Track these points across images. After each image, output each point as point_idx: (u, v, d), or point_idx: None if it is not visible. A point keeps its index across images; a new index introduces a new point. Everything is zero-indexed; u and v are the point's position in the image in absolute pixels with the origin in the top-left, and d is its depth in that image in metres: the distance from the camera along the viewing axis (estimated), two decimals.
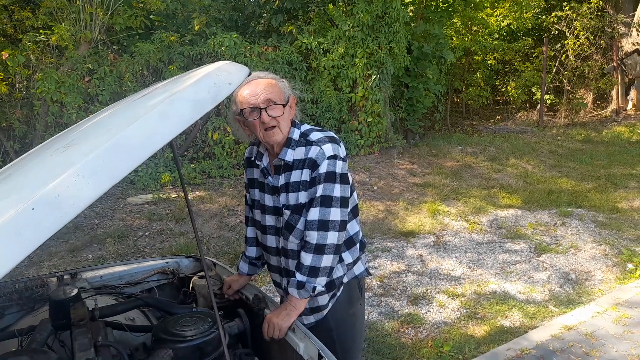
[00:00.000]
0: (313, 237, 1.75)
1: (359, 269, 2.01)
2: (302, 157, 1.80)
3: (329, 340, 1.99)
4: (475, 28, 11.47)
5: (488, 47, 11.10)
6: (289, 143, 1.82)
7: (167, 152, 6.90)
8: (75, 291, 1.89)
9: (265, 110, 1.73)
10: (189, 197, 6.10)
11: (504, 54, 11.75)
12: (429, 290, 4.08)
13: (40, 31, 6.40)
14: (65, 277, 2.36)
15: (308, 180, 1.79)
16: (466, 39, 10.89)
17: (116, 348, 1.53)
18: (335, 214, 1.76)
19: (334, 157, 1.77)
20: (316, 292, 1.78)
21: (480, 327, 3.52)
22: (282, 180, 1.85)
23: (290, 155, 1.82)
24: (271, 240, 1.98)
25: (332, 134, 1.85)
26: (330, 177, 1.76)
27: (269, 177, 1.89)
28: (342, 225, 1.78)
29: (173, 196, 6.14)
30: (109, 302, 2.12)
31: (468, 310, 3.77)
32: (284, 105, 1.77)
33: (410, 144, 9.11)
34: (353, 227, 1.97)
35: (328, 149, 1.77)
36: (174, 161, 6.86)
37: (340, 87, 7.81)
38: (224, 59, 7.00)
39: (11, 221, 0.81)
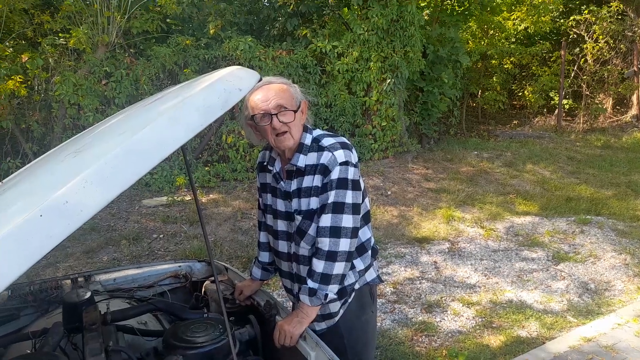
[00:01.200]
0: (325, 244, 1.72)
1: (370, 275, 1.98)
2: (314, 162, 1.78)
3: (341, 346, 1.96)
4: (492, 32, 11.34)
5: (505, 51, 10.95)
6: (300, 148, 1.81)
7: (182, 155, 6.93)
8: (88, 294, 1.90)
9: (277, 116, 1.72)
10: (203, 200, 6.12)
11: (521, 58, 11.58)
12: (443, 298, 4.02)
13: (60, 35, 6.51)
14: (79, 279, 2.37)
15: (319, 186, 1.77)
16: (482, 42, 10.77)
17: (127, 353, 1.52)
18: (348, 220, 1.73)
19: (345, 163, 1.74)
20: (328, 300, 1.76)
21: (496, 337, 3.45)
22: (294, 185, 1.83)
23: (302, 160, 1.80)
24: (283, 246, 1.96)
25: (344, 139, 1.83)
26: (342, 183, 1.73)
27: (281, 182, 1.87)
28: (354, 232, 1.75)
29: (187, 199, 6.16)
30: (122, 306, 2.13)
31: (483, 319, 3.69)
32: (295, 111, 1.75)
33: (425, 148, 9.03)
34: (365, 233, 1.94)
35: (340, 155, 1.74)
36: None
37: (354, 91, 7.78)
38: (239, 63, 7.04)
39: (19, 228, 0.80)
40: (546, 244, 5.08)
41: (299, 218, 1.83)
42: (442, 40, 8.80)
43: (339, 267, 1.74)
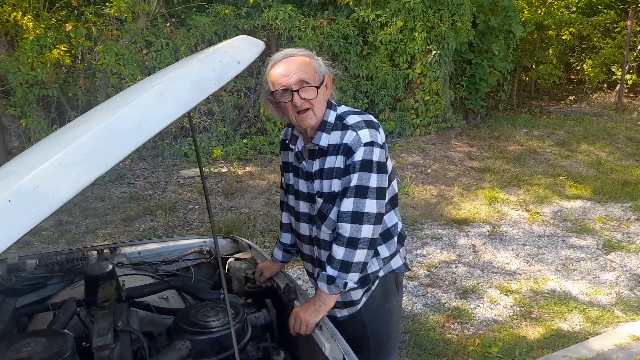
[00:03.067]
0: (346, 229, 1.61)
1: (396, 263, 1.86)
2: (337, 142, 1.65)
3: (363, 335, 1.88)
4: (551, 0, 10.51)
5: (563, 21, 10.15)
6: (323, 126, 1.68)
7: (220, 126, 6.95)
8: (109, 267, 1.88)
9: (298, 92, 1.59)
10: (239, 172, 6.12)
11: (582, 29, 10.71)
12: (480, 284, 3.84)
13: (107, 4, 6.54)
14: (105, 251, 2.39)
15: (342, 167, 1.64)
16: (539, 11, 10.00)
17: (136, 334, 1.49)
18: (371, 205, 1.60)
19: (371, 143, 1.60)
20: (347, 288, 1.65)
21: (535, 329, 3.25)
22: (316, 165, 1.71)
23: (325, 139, 1.67)
24: (304, 228, 1.86)
25: (370, 117, 1.68)
26: (367, 165, 1.60)
27: (303, 162, 1.76)
28: (377, 218, 1.62)
29: (224, 171, 6.19)
30: (142, 280, 2.12)
31: (522, 309, 3.50)
32: (318, 87, 1.61)
33: (471, 124, 8.62)
34: (391, 218, 1.81)
35: (365, 134, 1.60)
36: (225, 136, 6.91)
37: (397, 63, 7.46)
38: (278, 32, 6.88)
39: None
40: (597, 231, 4.74)
41: (320, 201, 1.72)
42: (494, 9, 8.24)
43: (360, 255, 1.62)
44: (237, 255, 2.40)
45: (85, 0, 6.48)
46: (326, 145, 1.67)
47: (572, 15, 10.84)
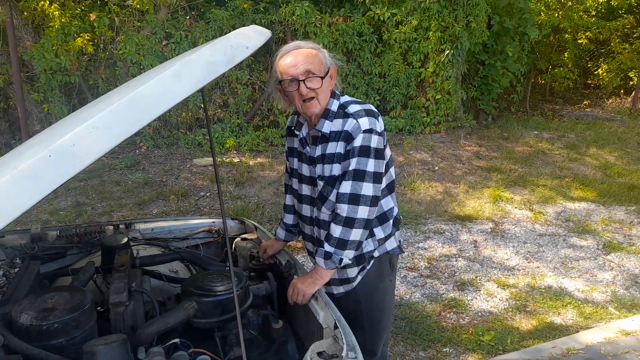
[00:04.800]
0: (343, 209, 1.74)
1: (391, 245, 1.99)
2: (339, 129, 1.78)
3: (357, 311, 2.01)
4: (570, 3, 10.46)
5: (580, 24, 10.11)
6: (326, 114, 1.81)
7: (234, 118, 7.12)
8: (124, 240, 2.05)
9: (304, 82, 1.72)
10: (250, 163, 6.29)
11: (599, 33, 10.67)
12: (478, 277, 3.95)
13: None
14: (120, 226, 2.56)
15: (342, 152, 1.78)
16: (556, 14, 9.98)
17: (147, 294, 1.65)
18: (368, 188, 1.73)
19: (369, 131, 1.73)
20: (342, 264, 1.79)
21: (528, 321, 3.36)
22: (318, 151, 1.85)
23: (328, 126, 1.81)
24: (306, 210, 2.00)
25: (370, 106, 1.82)
26: (365, 151, 1.73)
27: (307, 148, 1.90)
28: (373, 201, 1.75)
29: (236, 160, 6.36)
30: (154, 252, 2.28)
31: (517, 302, 3.60)
32: (323, 77, 1.75)
33: (481, 125, 8.68)
34: (388, 203, 1.94)
35: (364, 122, 1.74)
36: (238, 127, 7.08)
37: (410, 61, 7.55)
38: (294, 28, 7.02)
39: (30, 166, 0.88)
40: (598, 232, 4.81)
41: (321, 183, 1.86)
42: (509, 11, 8.27)
43: (355, 234, 1.75)
44: (244, 236, 2.56)
45: None
46: (328, 132, 1.81)
47: (592, 19, 10.78)
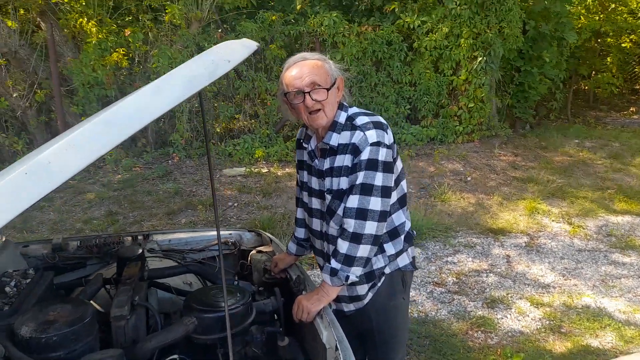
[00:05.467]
0: (350, 225, 1.68)
1: (403, 261, 1.91)
2: (346, 141, 1.73)
3: (368, 330, 1.95)
4: (613, 5, 9.99)
5: (623, 27, 9.64)
6: (334, 127, 1.76)
7: (263, 128, 7.18)
8: (139, 251, 2.06)
9: (309, 94, 1.68)
10: (278, 173, 6.30)
11: None
12: (509, 295, 3.76)
13: (168, 9, 6.94)
14: (139, 237, 2.58)
15: (350, 166, 1.72)
16: (596, 18, 9.56)
17: (150, 309, 1.64)
18: (376, 203, 1.67)
19: (377, 144, 1.67)
20: (349, 282, 1.72)
21: (562, 343, 3.16)
22: (327, 164, 1.80)
23: (335, 139, 1.76)
24: (316, 224, 1.95)
25: (379, 118, 1.75)
26: (372, 164, 1.67)
27: (316, 160, 1.86)
28: (381, 216, 1.68)
29: (264, 171, 6.39)
30: (169, 264, 2.28)
31: (551, 322, 3.40)
32: (329, 89, 1.70)
33: (518, 133, 8.38)
34: (399, 217, 1.87)
35: (372, 135, 1.68)
36: (268, 137, 7.13)
37: (441, 69, 7.41)
38: (323, 39, 7.03)
39: (6, 183, 0.88)
40: None
41: (329, 197, 1.81)
42: (546, 15, 7.99)
43: (363, 250, 1.69)
44: (259, 248, 2.53)
45: (144, 8, 6.92)
46: (336, 145, 1.76)
47: (637, 22, 10.26)
